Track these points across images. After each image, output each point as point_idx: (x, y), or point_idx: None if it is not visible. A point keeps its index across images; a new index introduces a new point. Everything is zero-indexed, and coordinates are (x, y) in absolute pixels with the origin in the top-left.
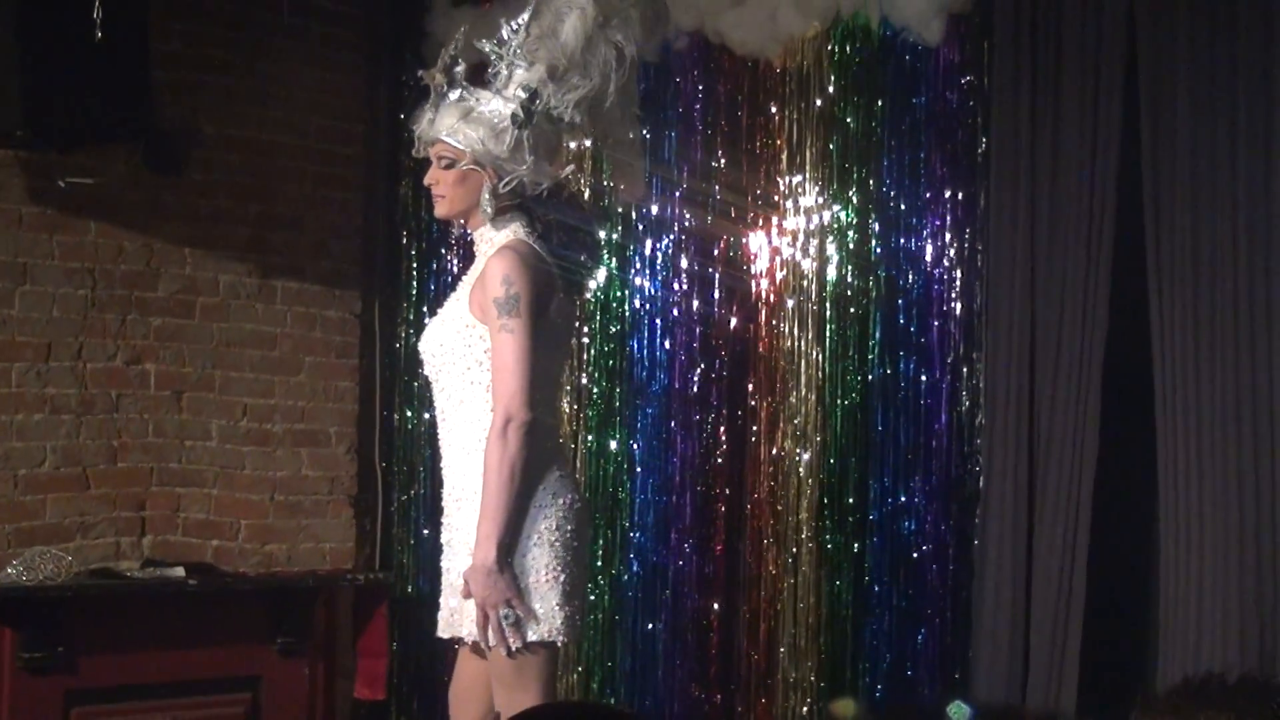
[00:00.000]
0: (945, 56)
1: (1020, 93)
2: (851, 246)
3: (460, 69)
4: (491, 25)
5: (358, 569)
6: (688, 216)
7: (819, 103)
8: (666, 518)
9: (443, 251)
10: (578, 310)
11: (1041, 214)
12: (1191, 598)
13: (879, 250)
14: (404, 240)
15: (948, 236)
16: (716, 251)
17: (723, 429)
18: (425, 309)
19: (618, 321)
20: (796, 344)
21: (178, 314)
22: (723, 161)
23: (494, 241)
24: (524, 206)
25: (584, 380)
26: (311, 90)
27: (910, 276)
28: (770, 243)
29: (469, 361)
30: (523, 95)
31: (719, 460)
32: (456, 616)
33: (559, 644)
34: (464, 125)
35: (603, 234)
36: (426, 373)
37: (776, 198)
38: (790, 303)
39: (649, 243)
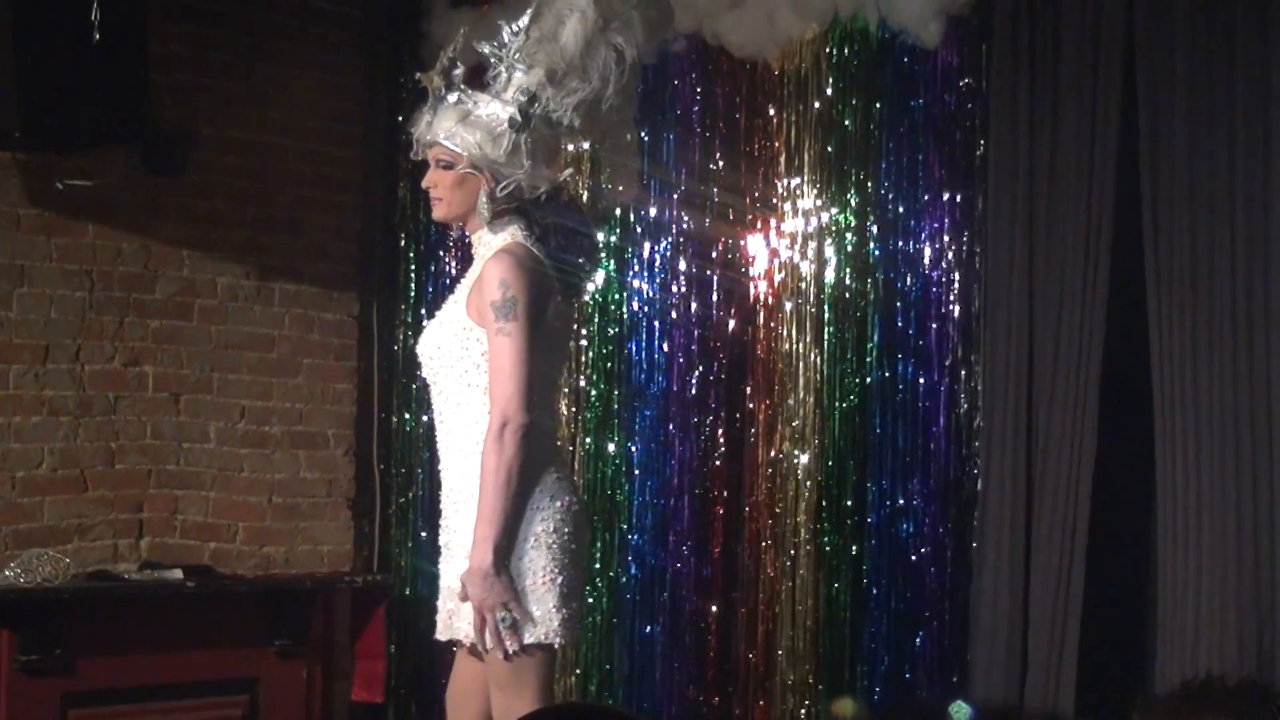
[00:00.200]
0: (943, 59)
1: (1018, 95)
2: (850, 249)
3: (459, 72)
4: (490, 28)
5: (355, 571)
6: (686, 219)
7: (817, 105)
8: (665, 520)
9: (440, 254)
10: (576, 313)
11: (1040, 216)
12: (1189, 599)
13: (877, 252)
14: (402, 243)
15: (946, 239)
16: (715, 254)
17: (721, 431)
18: (423, 311)
19: (616, 324)
20: (795, 346)
21: (176, 316)
22: (721, 164)
23: (491, 245)
24: (522, 210)
25: (582, 382)
26: (310, 92)
27: (908, 279)
28: (768, 245)
29: (466, 364)
30: (521, 99)
31: (717, 462)
32: (454, 619)
33: (556, 646)
34: (462, 128)
35: (601, 236)
36: (424, 375)
37: (774, 200)
38: (788, 305)
39: (647, 245)
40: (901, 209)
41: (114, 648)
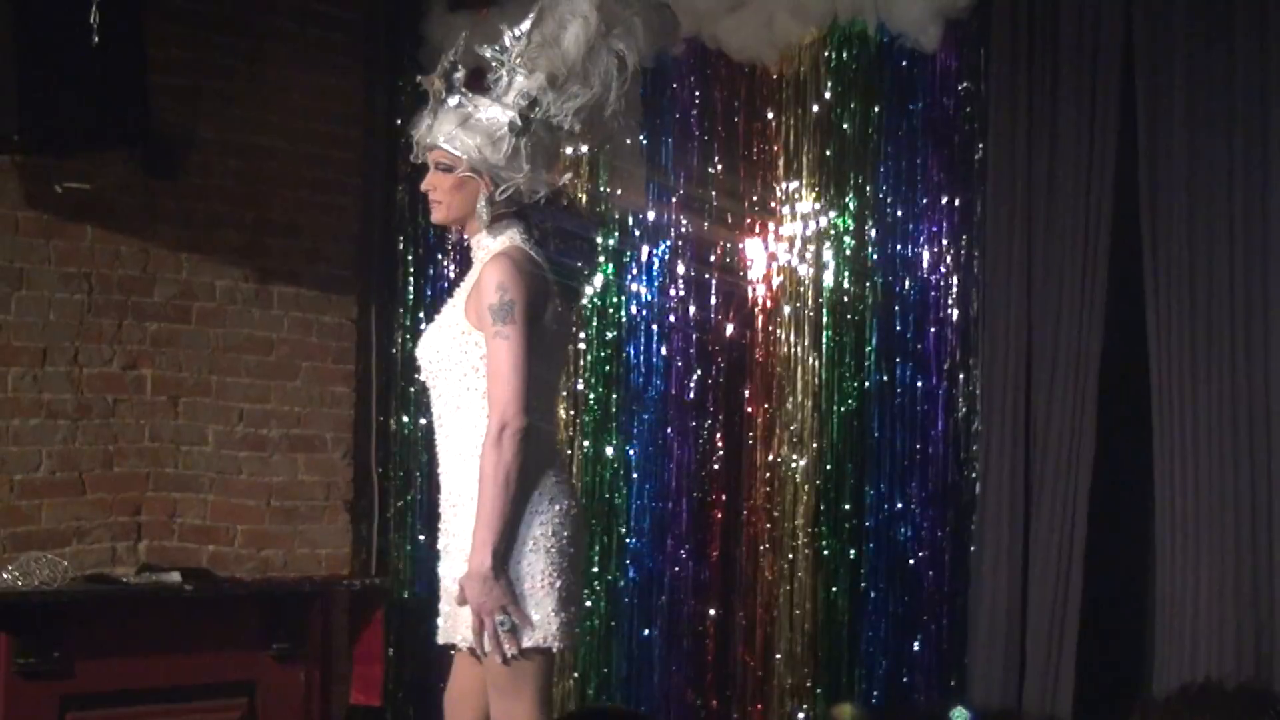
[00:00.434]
0: (942, 63)
1: (1017, 99)
2: (848, 252)
3: (460, 75)
4: (489, 31)
5: (354, 574)
6: (684, 222)
7: (816, 109)
8: (663, 524)
9: (439, 257)
10: (575, 317)
11: (1038, 220)
12: (1188, 602)
13: (875, 256)
14: (401, 246)
15: (944, 243)
16: (713, 257)
17: (719, 435)
18: (422, 314)
19: (614, 327)
20: (793, 350)
21: (174, 319)
22: (719, 167)
23: (490, 248)
24: (521, 213)
25: (580, 386)
26: (308, 95)
27: (907, 283)
28: (767, 249)
29: (465, 368)
30: (522, 103)
31: (715, 466)
32: (452, 622)
33: (555, 650)
34: (461, 132)
35: (599, 240)
36: (423, 378)
37: (773, 204)
38: (787, 309)
39: (646, 248)
40: (900, 213)
41: (112, 650)
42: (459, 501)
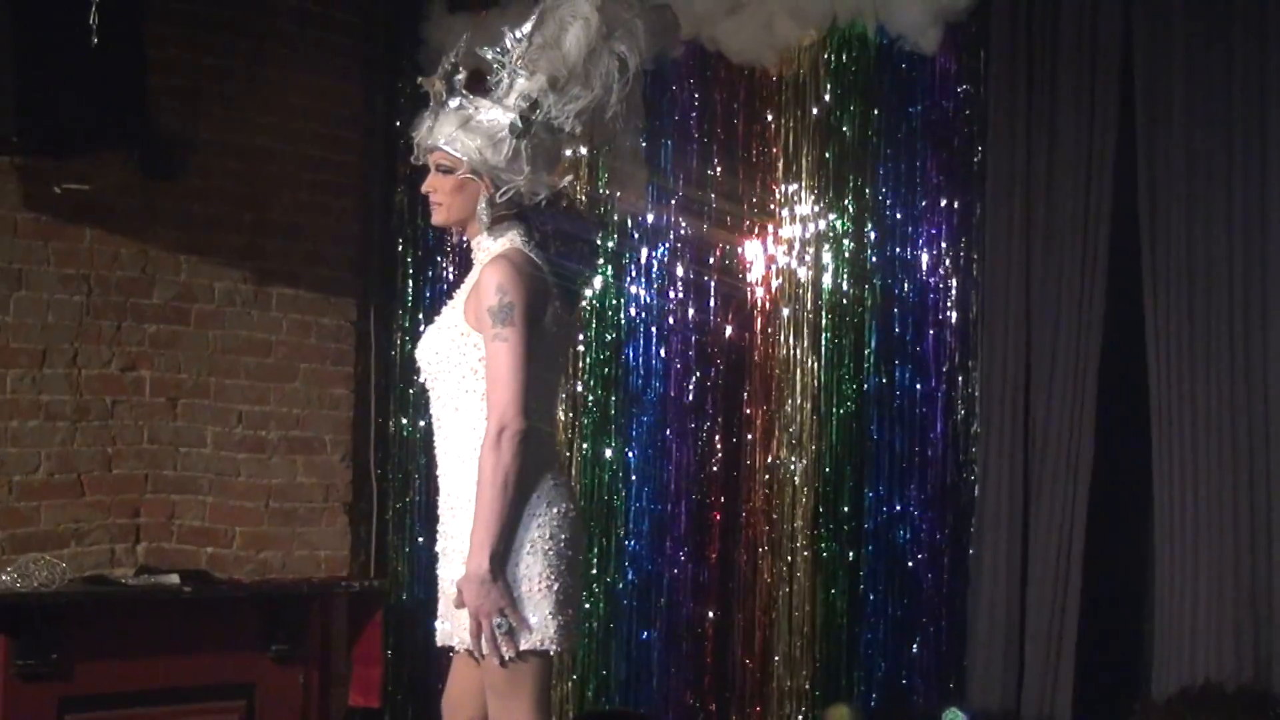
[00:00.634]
0: (942, 65)
1: (1016, 101)
2: (847, 255)
3: (461, 76)
4: (488, 33)
5: (352, 576)
6: (684, 225)
7: (815, 111)
8: (662, 526)
9: (438, 259)
10: (576, 320)
11: (1037, 222)
12: (1187, 604)
13: (874, 259)
14: (400, 247)
15: (943, 245)
16: (712, 260)
17: (718, 437)
18: (421, 316)
19: (613, 329)
20: (792, 352)
21: (173, 321)
22: (719, 170)
23: (490, 250)
24: (522, 216)
25: (579, 388)
26: (308, 97)
27: (906, 285)
28: (766, 251)
29: (464, 370)
30: (523, 105)
31: (714, 468)
32: (450, 624)
33: (553, 653)
34: (462, 134)
35: (600, 242)
36: (423, 380)
37: (772, 206)
38: (786, 311)
39: (645, 251)
40: (899, 215)
41: (111, 652)
42: (457, 504)
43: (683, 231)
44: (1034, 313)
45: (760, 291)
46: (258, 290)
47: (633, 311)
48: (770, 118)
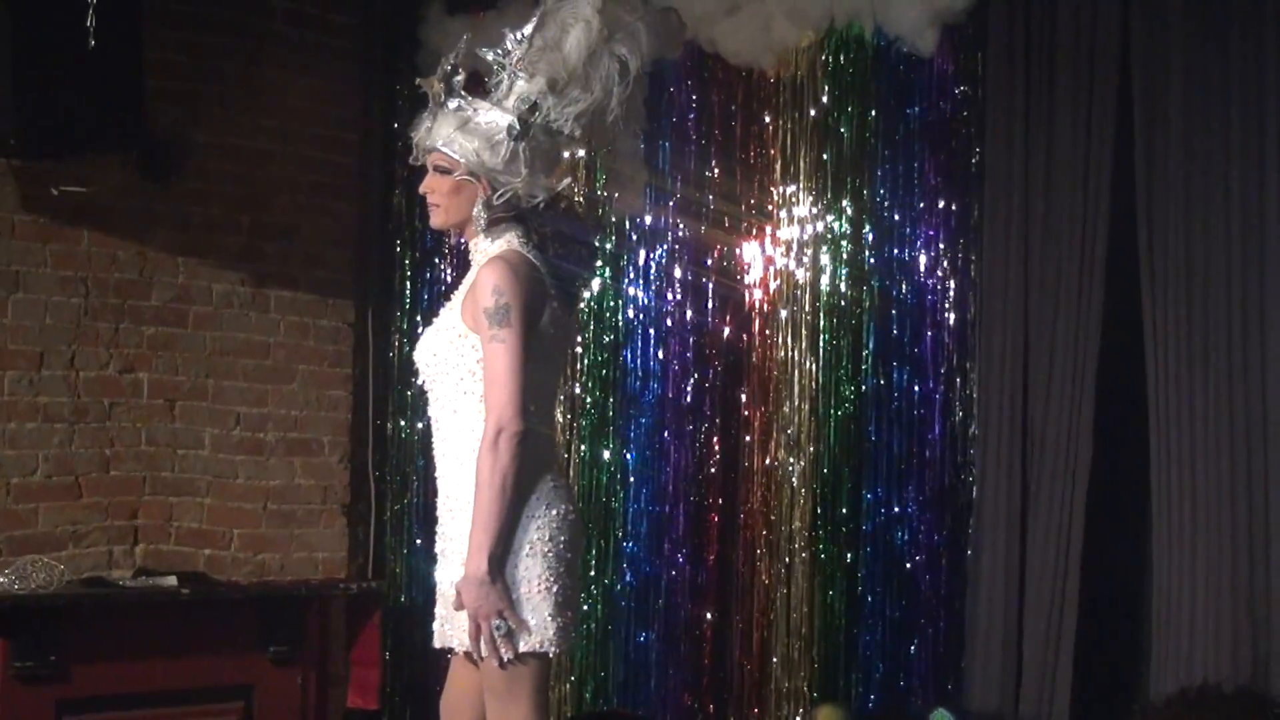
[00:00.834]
0: (939, 67)
1: (1014, 103)
2: (845, 256)
3: (460, 78)
4: (486, 35)
5: (351, 578)
6: (681, 226)
7: (813, 112)
8: (660, 527)
9: (436, 261)
10: (575, 321)
11: (1035, 224)
12: (1184, 606)
13: (872, 260)
14: (397, 249)
15: (941, 246)
16: (710, 261)
17: (716, 439)
18: (419, 318)
19: (611, 331)
20: (790, 354)
21: (171, 323)
22: (716, 171)
23: (488, 252)
24: (520, 217)
25: (577, 389)
26: (305, 99)
27: (904, 286)
28: (764, 252)
29: (462, 371)
30: (522, 107)
31: (712, 470)
32: (448, 626)
33: (551, 655)
34: (460, 135)
35: (598, 243)
36: (421, 382)
37: (770, 207)
38: (784, 312)
39: (643, 252)
40: (897, 216)
41: (109, 654)
42: (456, 505)
43: (681, 233)
44: (1032, 314)
45: (758, 293)
46: (256, 292)
47: (631, 313)
48: (768, 119)
